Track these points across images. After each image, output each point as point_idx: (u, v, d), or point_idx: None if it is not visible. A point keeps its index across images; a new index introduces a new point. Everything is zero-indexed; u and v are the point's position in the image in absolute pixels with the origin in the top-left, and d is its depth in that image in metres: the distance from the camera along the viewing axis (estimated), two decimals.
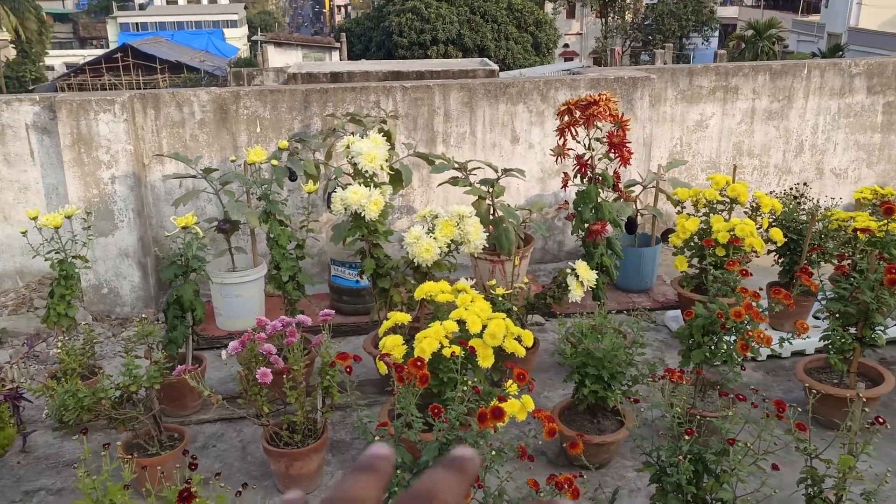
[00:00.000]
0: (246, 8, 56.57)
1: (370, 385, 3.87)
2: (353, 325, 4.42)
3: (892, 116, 5.72)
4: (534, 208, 4.67)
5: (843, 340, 3.21)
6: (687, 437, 2.23)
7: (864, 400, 3.33)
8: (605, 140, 3.60)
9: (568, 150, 3.70)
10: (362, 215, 3.36)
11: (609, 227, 3.73)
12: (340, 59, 33.28)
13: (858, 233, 3.45)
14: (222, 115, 4.57)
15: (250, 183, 3.95)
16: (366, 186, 3.43)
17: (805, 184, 4.84)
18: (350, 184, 3.83)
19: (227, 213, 4.11)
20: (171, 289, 3.47)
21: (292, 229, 3.68)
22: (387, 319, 3.15)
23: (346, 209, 3.38)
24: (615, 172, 3.70)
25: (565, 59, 41.41)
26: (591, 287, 3.66)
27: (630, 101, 5.00)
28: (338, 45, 34.59)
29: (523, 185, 5.03)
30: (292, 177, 4.20)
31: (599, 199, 3.69)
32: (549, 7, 38.80)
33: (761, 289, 3.29)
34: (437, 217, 3.50)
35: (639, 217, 4.82)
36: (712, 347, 3.06)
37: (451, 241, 3.41)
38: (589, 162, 3.64)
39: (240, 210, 3.98)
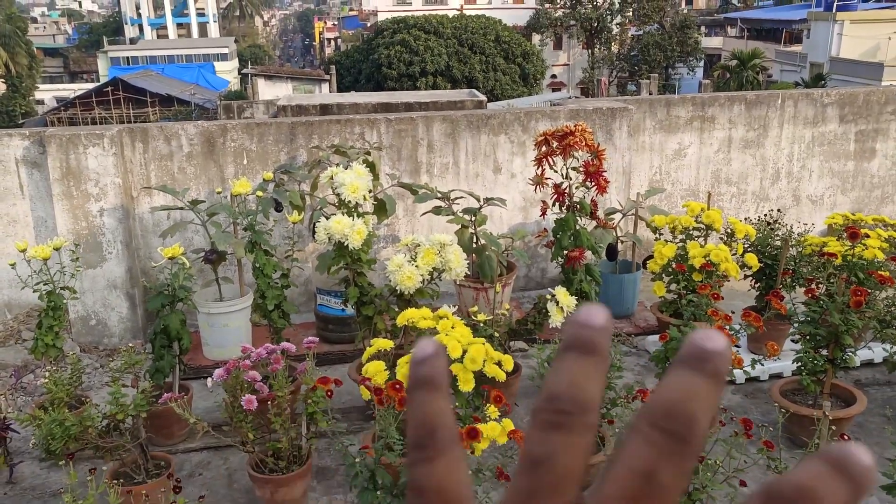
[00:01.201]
0: (236, 41, 57.11)
1: (355, 412, 3.92)
2: (339, 353, 4.48)
3: (865, 144, 5.88)
4: (516, 236, 4.77)
5: (814, 362, 3.29)
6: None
7: (832, 419, 3.42)
8: (581, 169, 3.71)
9: (546, 179, 3.81)
10: (346, 244, 3.45)
11: (588, 254, 3.82)
12: (330, 91, 33.62)
13: (826, 257, 3.55)
14: (209, 148, 4.67)
15: (236, 214, 4.03)
16: (349, 216, 3.52)
17: (779, 210, 4.96)
18: (334, 214, 3.93)
19: (213, 243, 4.19)
20: (157, 319, 3.53)
21: (277, 259, 3.76)
22: (370, 346, 3.21)
23: (329, 238, 3.46)
24: (592, 200, 3.81)
25: (553, 90, 41.98)
26: (570, 313, 3.74)
27: (609, 130, 5.13)
28: (327, 77, 34.99)
29: (506, 214, 5.13)
30: (278, 207, 4.29)
31: (577, 227, 3.78)
32: (536, 39, 39.38)
33: (733, 312, 3.38)
34: (419, 245, 3.59)
35: (619, 244, 4.93)
36: None
37: (433, 268, 3.49)
38: (566, 190, 3.75)
39: (226, 240, 4.06)
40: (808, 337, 3.30)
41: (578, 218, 3.81)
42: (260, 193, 3.95)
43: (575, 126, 3.67)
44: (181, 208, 4.24)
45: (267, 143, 4.72)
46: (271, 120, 4.80)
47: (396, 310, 3.67)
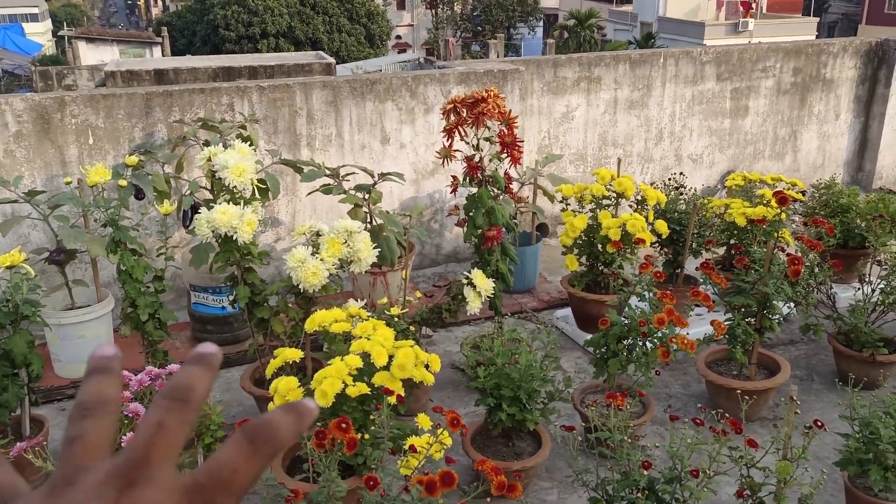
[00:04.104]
0: (47, 0, 51.82)
1: None
2: (223, 356, 3.91)
3: (739, 102, 5.95)
4: (413, 213, 4.37)
5: (745, 334, 3.17)
6: (644, 472, 2.03)
7: (762, 390, 3.34)
8: (493, 140, 3.36)
9: (454, 151, 3.43)
10: (234, 238, 2.91)
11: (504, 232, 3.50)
12: (163, 56, 31.22)
13: (754, 223, 3.44)
14: (44, 126, 3.88)
15: (88, 206, 3.35)
16: (234, 204, 2.97)
17: (682, 173, 4.88)
18: (210, 200, 3.35)
19: (60, 241, 3.48)
20: None
21: (149, 259, 3.14)
22: (273, 358, 2.73)
23: (213, 232, 2.91)
24: (506, 173, 3.48)
25: (399, 51, 41.38)
26: (488, 297, 3.42)
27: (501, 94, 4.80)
28: (159, 40, 32.43)
29: (397, 189, 4.71)
30: (139, 195, 3.63)
31: (492, 203, 3.44)
32: None
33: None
34: (319, 234, 3.11)
35: (518, 215, 4.66)
36: (626, 354, 2.91)
37: (339, 259, 3.03)
38: (479, 163, 3.39)
39: (77, 237, 3.37)
40: (740, 308, 3.17)
41: (492, 192, 3.47)
42: (123, 183, 3.29)
43: (486, 92, 3.29)
44: (14, 201, 3.49)
45: (117, 118, 3.99)
46: (121, 91, 4.06)
47: (296, 309, 3.19)
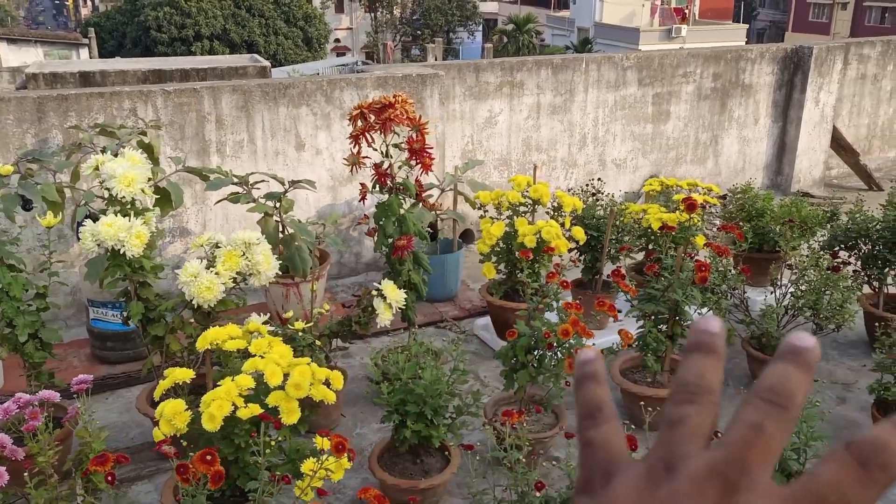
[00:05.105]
0: None
1: (148, 449, 3.23)
2: (124, 375, 3.72)
3: (661, 107, 6.00)
4: (328, 221, 4.24)
5: (657, 342, 3.15)
6: (538, 494, 1.95)
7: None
8: (403, 146, 3.26)
9: (364, 158, 3.32)
10: (121, 252, 2.73)
11: (415, 241, 3.40)
12: (91, 58, 30.24)
13: (664, 230, 3.43)
14: None
15: None
16: (124, 216, 2.80)
17: (599, 179, 4.87)
18: (106, 209, 3.16)
19: None
20: None
21: (28, 274, 2.94)
22: (163, 378, 2.57)
23: (99, 245, 2.73)
24: (417, 180, 3.38)
25: (338, 55, 41.03)
26: (400, 308, 3.32)
27: (420, 99, 4.72)
28: (86, 41, 31.38)
29: (313, 196, 4.57)
30: (27, 205, 3.40)
31: (402, 211, 3.35)
32: (317, 1, 38.09)
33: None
34: (218, 246, 2.96)
35: (439, 222, 4.57)
36: (535, 366, 2.84)
37: (238, 273, 2.88)
38: (388, 171, 3.28)
39: None
40: (651, 316, 3.14)
41: (403, 200, 3.37)
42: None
43: (394, 97, 3.19)
44: None
45: (6, 123, 3.75)
46: (10, 95, 3.83)
47: (194, 325, 3.02)
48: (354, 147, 3.25)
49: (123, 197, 2.79)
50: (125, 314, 3.02)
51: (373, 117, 3.20)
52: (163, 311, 2.98)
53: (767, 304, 3.60)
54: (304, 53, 33.26)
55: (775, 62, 6.34)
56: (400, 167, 3.32)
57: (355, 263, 4.92)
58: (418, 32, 41.66)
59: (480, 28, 44.83)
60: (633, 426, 3.35)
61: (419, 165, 3.30)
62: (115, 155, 3.04)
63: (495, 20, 46.25)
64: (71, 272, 4.10)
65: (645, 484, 0.39)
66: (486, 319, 4.24)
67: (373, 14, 42.15)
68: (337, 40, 44.73)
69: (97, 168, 2.88)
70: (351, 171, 3.33)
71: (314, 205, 4.65)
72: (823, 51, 6.30)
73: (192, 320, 3.04)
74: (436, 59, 26.33)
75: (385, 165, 3.29)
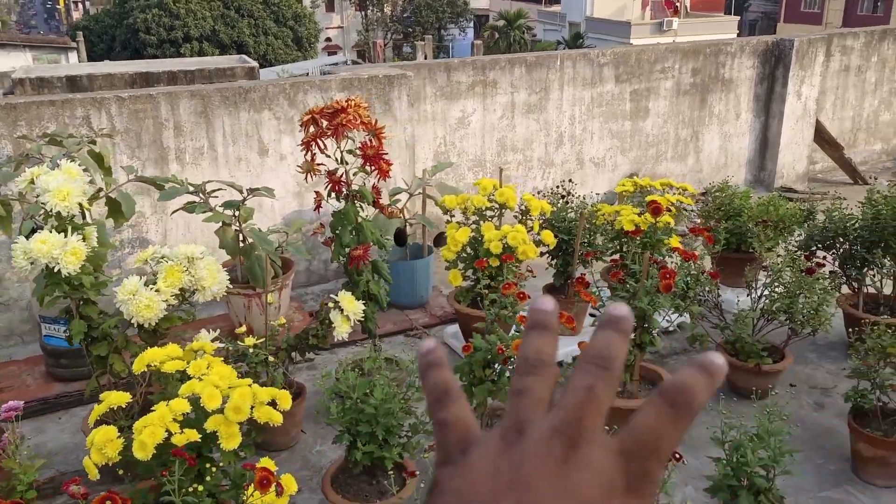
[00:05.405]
0: None
1: (105, 474, 3.10)
2: (77, 393, 3.59)
3: (639, 104, 5.87)
4: (291, 228, 4.11)
5: None
6: None
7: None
8: (358, 152, 3.14)
9: (319, 165, 3.19)
10: (56, 270, 2.61)
11: (375, 250, 3.28)
12: (80, 61, 30.07)
13: (630, 234, 3.30)
14: None
15: None
16: (61, 231, 2.67)
17: (570, 180, 4.75)
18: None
19: None
20: None
21: None
22: (98, 402, 2.45)
23: (32, 263, 2.60)
24: (374, 187, 3.26)
25: (329, 54, 40.85)
26: (359, 320, 3.20)
27: (387, 101, 4.59)
28: (74, 45, 31.21)
29: (279, 203, 4.45)
30: None
31: (359, 219, 3.22)
32: (307, 1, 37.91)
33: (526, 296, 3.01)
34: (163, 260, 2.84)
35: (408, 227, 4.45)
36: (494, 381, 2.72)
37: (182, 289, 2.76)
38: (342, 178, 3.16)
39: None
40: None
41: (360, 208, 3.25)
42: None
43: (347, 101, 3.07)
44: None
45: None
46: None
47: (140, 343, 2.90)
48: (307, 154, 3.13)
49: (59, 211, 2.67)
50: (66, 333, 2.90)
51: (325, 122, 3.08)
52: (106, 329, 2.86)
53: (741, 308, 3.48)
54: (294, 53, 33.10)
55: (756, 56, 6.21)
56: (355, 174, 3.20)
57: (325, 271, 4.80)
58: (409, 30, 41.48)
59: (472, 24, 44.67)
60: None
61: (376, 171, 3.17)
62: (58, 166, 2.91)
63: (487, 16, 46.06)
64: (25, 286, 3.98)
65: (499, 447, 0.43)
66: (457, 327, 4.12)
67: (363, 12, 41.95)
68: (328, 39, 44.54)
69: (32, 182, 2.76)
70: (305, 178, 3.20)
71: (280, 212, 4.53)
72: (805, 43, 6.18)
73: (139, 340, 2.92)
74: (426, 57, 26.16)
75: (339, 172, 3.16)
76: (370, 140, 3.17)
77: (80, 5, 59.35)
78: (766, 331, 3.54)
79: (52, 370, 3.70)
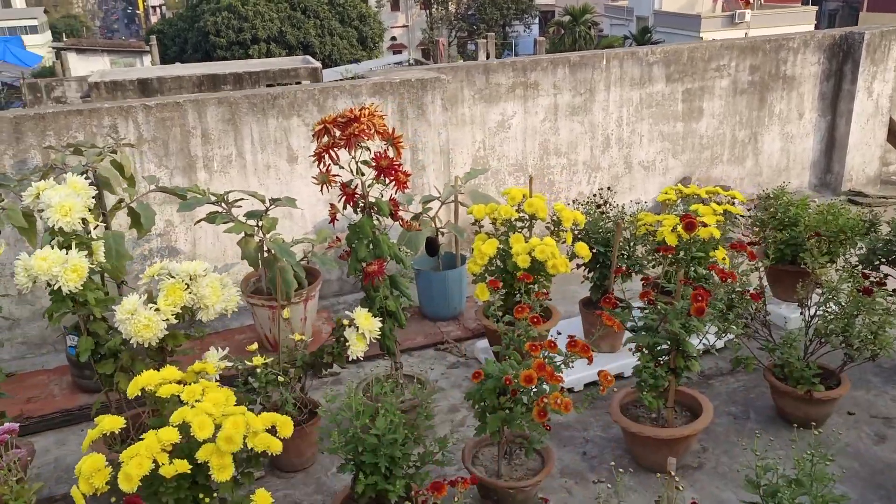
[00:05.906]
0: (46, 12, 51.83)
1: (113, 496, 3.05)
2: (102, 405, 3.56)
3: (692, 104, 5.56)
4: (318, 238, 4.01)
5: (655, 377, 2.79)
6: None
7: (677, 438, 2.96)
8: (372, 163, 2.99)
9: (335, 177, 3.07)
10: (56, 287, 2.56)
11: (392, 265, 3.14)
12: (153, 64, 31.04)
13: (662, 251, 3.06)
14: None
15: None
16: (61, 248, 2.62)
17: (609, 188, 4.50)
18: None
19: None
20: None
21: None
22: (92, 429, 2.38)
23: (34, 282, 2.56)
24: (392, 199, 3.11)
25: (394, 53, 41.04)
26: (375, 339, 3.06)
27: (420, 105, 4.44)
28: (148, 48, 32.22)
29: (309, 212, 4.36)
30: None
31: (376, 233, 3.08)
32: (372, 0, 38.14)
33: (556, 316, 2.81)
34: (169, 276, 2.76)
35: (440, 236, 4.29)
36: (509, 411, 2.54)
37: (184, 308, 2.67)
38: (356, 190, 3.02)
39: None
40: (646, 349, 2.79)
41: (378, 221, 3.11)
42: None
43: (360, 110, 2.93)
44: None
45: None
46: None
47: (147, 362, 2.83)
48: (321, 165, 3.00)
49: (60, 227, 2.61)
50: (76, 351, 2.86)
51: (338, 132, 2.94)
52: (113, 347, 2.80)
53: (790, 327, 3.19)
54: (359, 52, 33.36)
55: (821, 51, 5.80)
56: (370, 185, 3.05)
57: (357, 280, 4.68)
58: (474, 27, 41.28)
59: (537, 21, 44.15)
60: (630, 469, 3.01)
61: (393, 183, 3.02)
62: (55, 181, 2.86)
63: (552, 12, 45.45)
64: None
65: None
66: (487, 342, 3.94)
67: (428, 11, 41.99)
68: (393, 38, 44.78)
69: (37, 196, 2.72)
70: (321, 190, 3.08)
71: (311, 220, 4.43)
72: (877, 36, 5.74)
73: (147, 359, 2.85)
74: (488, 56, 25.91)
75: (354, 184, 3.02)
76: (386, 150, 3.02)
77: (158, 10, 61.40)
78: (819, 353, 3.24)
79: (77, 380, 3.69)
